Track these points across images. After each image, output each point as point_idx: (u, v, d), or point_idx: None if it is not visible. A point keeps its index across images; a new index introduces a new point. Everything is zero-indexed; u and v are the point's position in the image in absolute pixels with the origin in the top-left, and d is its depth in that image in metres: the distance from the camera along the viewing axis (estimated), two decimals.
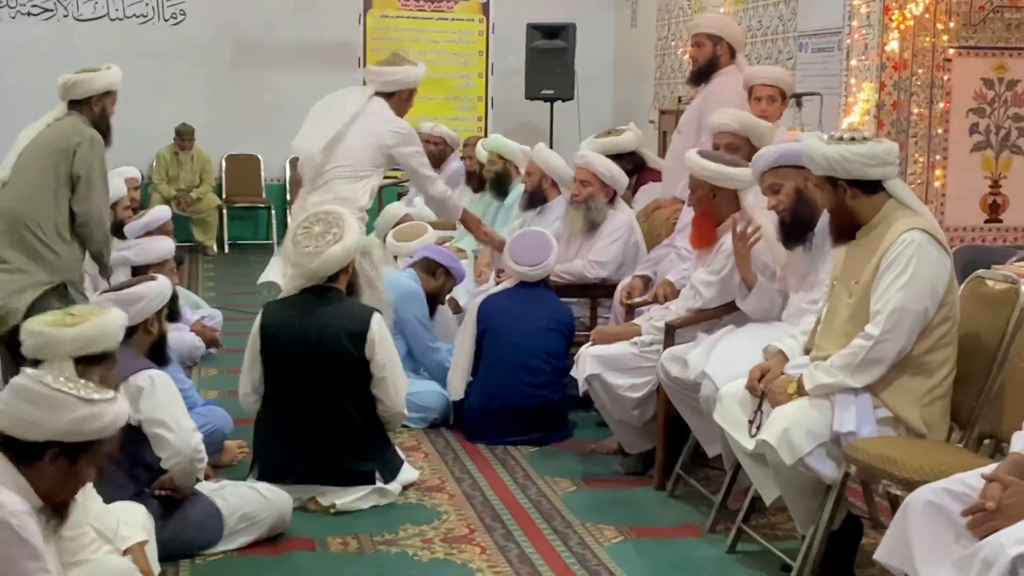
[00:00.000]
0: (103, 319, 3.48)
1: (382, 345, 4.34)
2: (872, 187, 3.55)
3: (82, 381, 2.94)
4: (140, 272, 4.94)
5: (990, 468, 2.82)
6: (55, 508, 2.87)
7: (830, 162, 3.53)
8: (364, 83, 5.80)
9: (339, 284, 4.42)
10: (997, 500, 2.68)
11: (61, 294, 4.76)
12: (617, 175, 5.72)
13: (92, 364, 3.39)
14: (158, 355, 3.94)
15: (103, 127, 5.09)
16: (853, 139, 3.53)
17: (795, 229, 4.04)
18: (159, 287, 3.97)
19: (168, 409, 3.68)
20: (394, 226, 6.38)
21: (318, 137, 5.21)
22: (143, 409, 3.63)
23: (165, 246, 5.32)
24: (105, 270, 5.11)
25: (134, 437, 3.62)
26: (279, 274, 5.66)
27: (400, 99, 5.41)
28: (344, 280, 4.44)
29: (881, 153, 3.53)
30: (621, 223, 5.67)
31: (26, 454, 2.80)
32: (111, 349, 3.47)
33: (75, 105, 5.09)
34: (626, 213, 5.78)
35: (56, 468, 2.82)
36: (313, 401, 4.29)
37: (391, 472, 4.41)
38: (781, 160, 4.01)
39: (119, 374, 3.59)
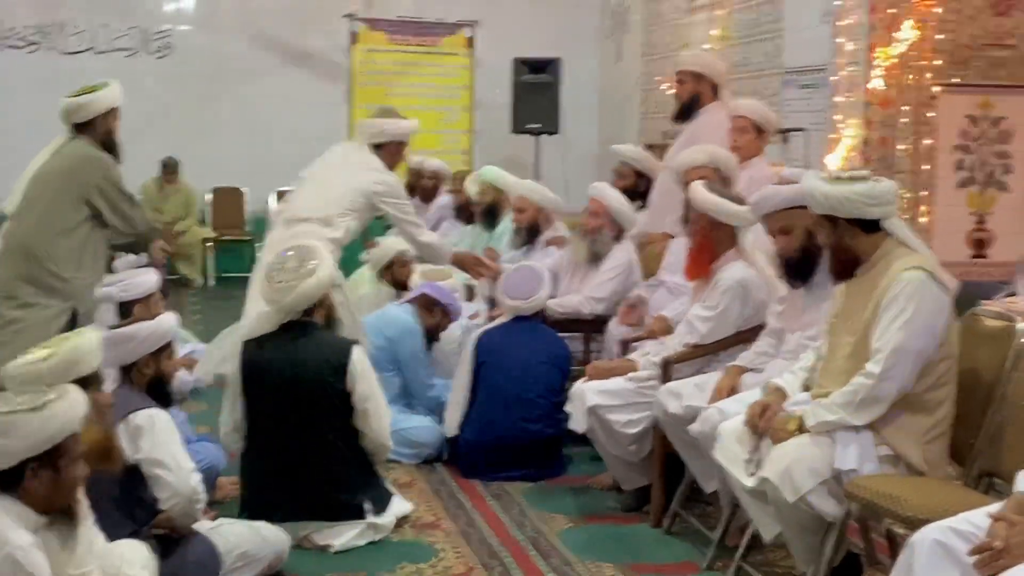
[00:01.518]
0: (76, 342, 3.45)
1: (363, 377, 4.33)
2: (871, 226, 3.59)
3: (31, 388, 2.91)
4: (126, 307, 4.90)
5: (996, 507, 2.84)
6: (62, 514, 2.88)
7: (831, 201, 3.57)
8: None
9: (316, 317, 4.41)
10: (1004, 539, 2.69)
11: (70, 323, 4.74)
12: (628, 213, 5.77)
13: (82, 388, 3.38)
14: (160, 394, 3.91)
15: (110, 145, 5.09)
16: (853, 178, 3.57)
17: (800, 268, 4.07)
18: (154, 327, 3.92)
19: (167, 449, 3.65)
20: (390, 261, 6.38)
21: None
22: (142, 448, 3.60)
23: (150, 280, 5.30)
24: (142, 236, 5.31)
25: (132, 476, 3.60)
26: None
27: (390, 152, 5.42)
28: (321, 313, 4.44)
29: (881, 193, 3.56)
30: (621, 261, 5.72)
31: (7, 480, 2.81)
32: (94, 370, 3.45)
33: (80, 128, 5.09)
34: (628, 253, 5.82)
35: (41, 481, 2.82)
36: (297, 436, 4.28)
37: (381, 504, 4.40)
38: (793, 202, 4.02)
39: (119, 403, 3.60)
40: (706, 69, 6.11)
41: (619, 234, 5.76)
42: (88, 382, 3.40)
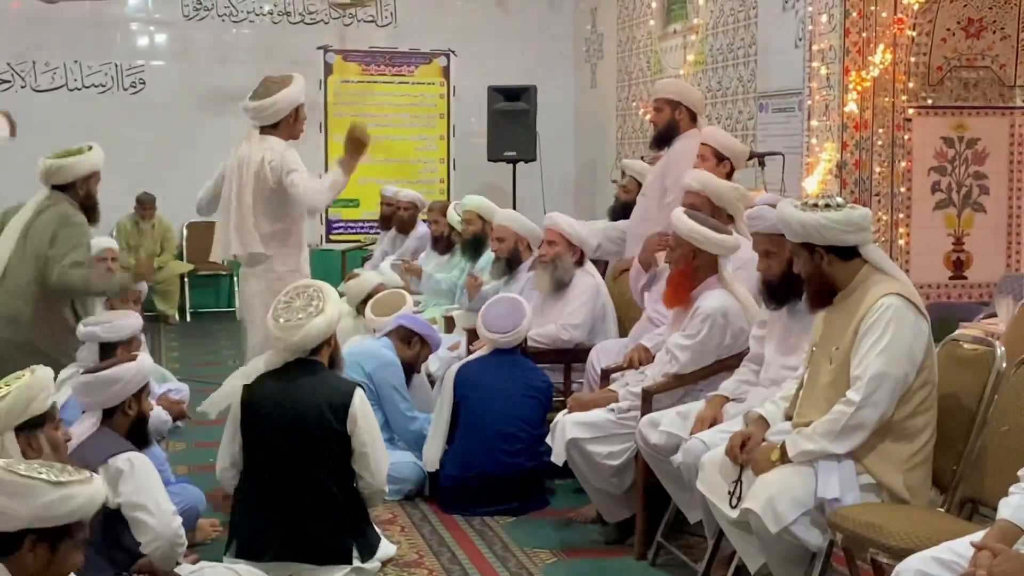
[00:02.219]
0: (28, 381, 3.37)
1: (364, 420, 4.27)
2: (848, 253, 3.59)
3: (57, 466, 2.87)
4: (109, 348, 4.85)
5: (979, 536, 2.82)
6: None
7: (807, 228, 3.56)
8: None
9: (321, 357, 4.37)
10: (988, 568, 2.67)
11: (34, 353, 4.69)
12: (584, 236, 5.78)
13: (34, 429, 3.31)
14: (138, 436, 3.87)
15: (89, 207, 5.12)
16: (828, 206, 3.56)
17: (780, 291, 4.05)
18: (136, 368, 3.90)
19: (148, 493, 3.62)
20: (368, 295, 6.31)
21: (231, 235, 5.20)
22: (122, 493, 3.57)
23: (134, 323, 5.26)
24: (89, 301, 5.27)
25: (112, 520, 3.57)
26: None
27: (288, 124, 5.30)
28: (326, 353, 4.39)
29: (857, 219, 3.56)
30: (588, 286, 5.70)
31: (3, 545, 2.74)
32: (47, 410, 3.38)
33: (59, 188, 5.10)
34: (593, 277, 5.81)
35: (36, 556, 2.74)
36: (293, 475, 4.22)
37: (369, 550, 4.33)
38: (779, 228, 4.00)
39: (98, 446, 3.55)
40: (683, 96, 6.13)
41: (580, 258, 5.76)
42: (43, 420, 3.35)
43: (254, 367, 4.45)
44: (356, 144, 5.34)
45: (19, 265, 5.05)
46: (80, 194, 5.13)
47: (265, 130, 5.24)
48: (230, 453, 4.33)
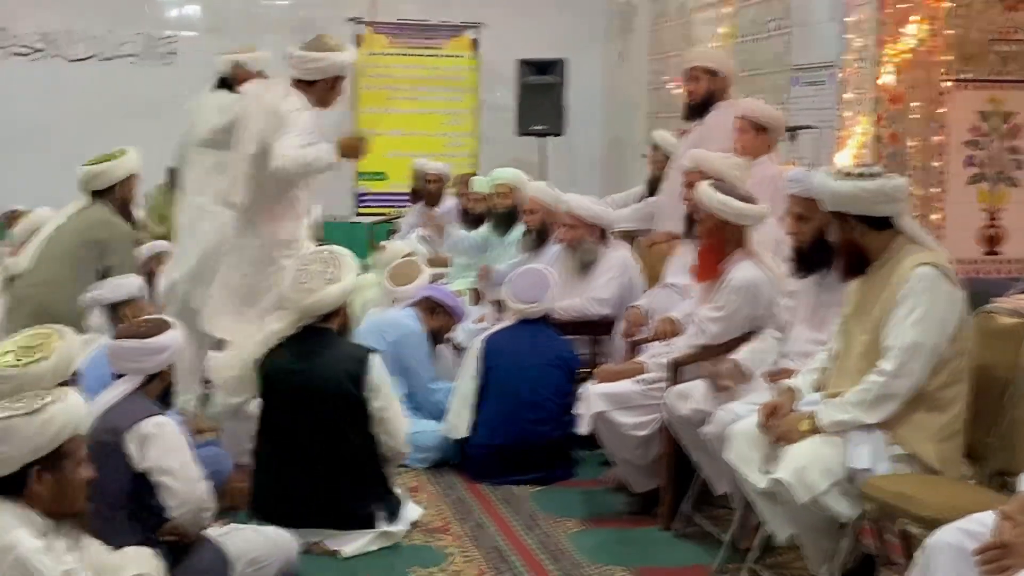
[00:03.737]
0: (66, 344, 3.44)
1: (381, 384, 4.31)
2: (882, 223, 3.54)
3: (28, 393, 2.89)
4: (114, 309, 4.87)
5: (989, 515, 2.76)
6: (70, 518, 2.87)
7: (840, 198, 3.52)
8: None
9: (332, 324, 4.38)
10: (1010, 538, 2.63)
11: None
12: (600, 213, 5.74)
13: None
14: (164, 398, 3.89)
15: (126, 212, 5.20)
16: (863, 175, 3.52)
17: (810, 259, 4.02)
18: (179, 336, 3.87)
19: (176, 457, 3.62)
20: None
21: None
22: (149, 457, 3.56)
23: (134, 283, 5.28)
24: None
25: (140, 483, 3.58)
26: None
27: (324, 88, 4.97)
28: (337, 321, 4.42)
29: (891, 190, 3.51)
30: (616, 260, 5.68)
31: (12, 486, 2.79)
32: (71, 375, 3.45)
33: (97, 194, 5.12)
34: (620, 250, 5.79)
35: (46, 485, 2.81)
36: (312, 443, 4.24)
37: (392, 512, 4.35)
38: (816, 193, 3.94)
39: (126, 411, 3.58)
40: (721, 66, 6.06)
41: (602, 235, 5.72)
42: (67, 384, 3.37)
43: (263, 335, 4.44)
44: (353, 151, 5.01)
45: (51, 259, 5.07)
46: (117, 198, 5.18)
47: (299, 84, 4.96)
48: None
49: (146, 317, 3.96)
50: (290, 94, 4.89)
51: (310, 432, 4.24)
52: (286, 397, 4.26)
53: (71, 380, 3.45)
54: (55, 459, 2.81)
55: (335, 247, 4.58)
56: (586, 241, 5.67)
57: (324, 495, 4.24)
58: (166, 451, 3.60)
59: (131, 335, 3.80)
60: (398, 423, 4.37)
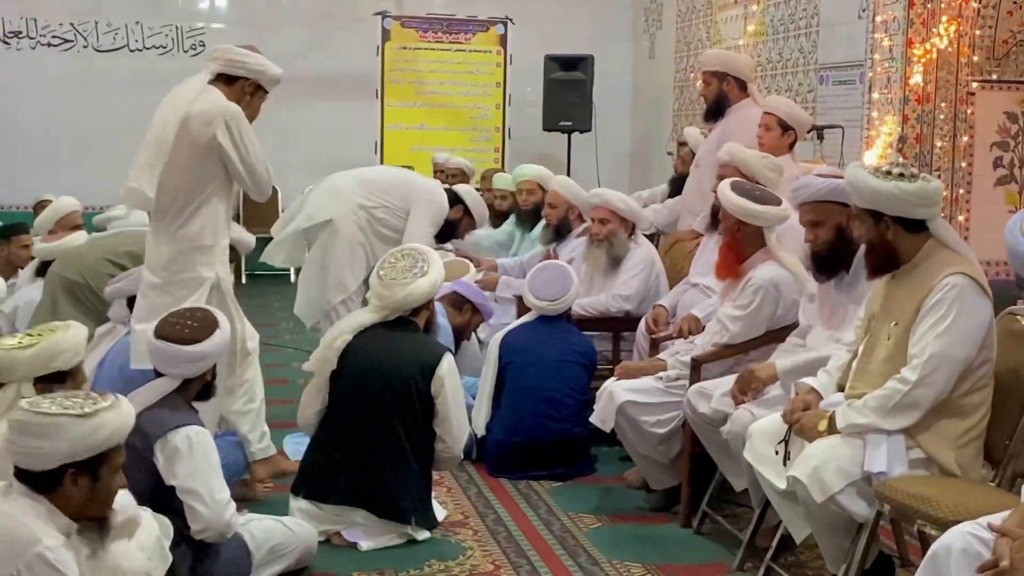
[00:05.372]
0: (58, 336, 3.43)
1: (450, 383, 4.33)
2: (916, 226, 3.51)
3: (81, 394, 2.91)
4: (134, 300, 4.76)
5: (997, 518, 2.74)
6: (94, 523, 2.87)
7: (877, 196, 3.47)
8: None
9: (419, 319, 4.44)
10: (1009, 557, 2.59)
11: None
12: (636, 209, 5.75)
13: (52, 383, 3.35)
14: (203, 394, 3.87)
15: None
16: (902, 175, 3.47)
17: (829, 263, 4.02)
18: (221, 339, 3.84)
19: (202, 479, 3.56)
20: None
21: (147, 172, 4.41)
22: (178, 474, 3.54)
23: None
24: None
25: (164, 490, 3.57)
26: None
27: (242, 91, 4.59)
28: (424, 316, 4.48)
29: (931, 193, 3.47)
30: (642, 257, 5.68)
31: (46, 482, 2.80)
32: (71, 366, 3.44)
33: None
34: (646, 247, 5.79)
35: (79, 488, 2.82)
36: (371, 425, 4.27)
37: (424, 517, 4.37)
38: (828, 196, 3.95)
39: (156, 419, 3.56)
40: (728, 67, 6.08)
41: (631, 231, 5.73)
42: (64, 377, 3.41)
43: (351, 321, 4.46)
44: None
45: None
46: None
47: (218, 81, 4.58)
48: (318, 401, 4.38)
49: (193, 315, 3.89)
50: (210, 90, 4.55)
51: (373, 417, 4.26)
52: (357, 379, 4.30)
53: (71, 373, 3.45)
54: (94, 464, 2.81)
55: (419, 245, 4.67)
56: (619, 235, 5.67)
57: (371, 479, 4.26)
58: (193, 471, 3.56)
59: (173, 338, 3.75)
60: (460, 427, 4.40)
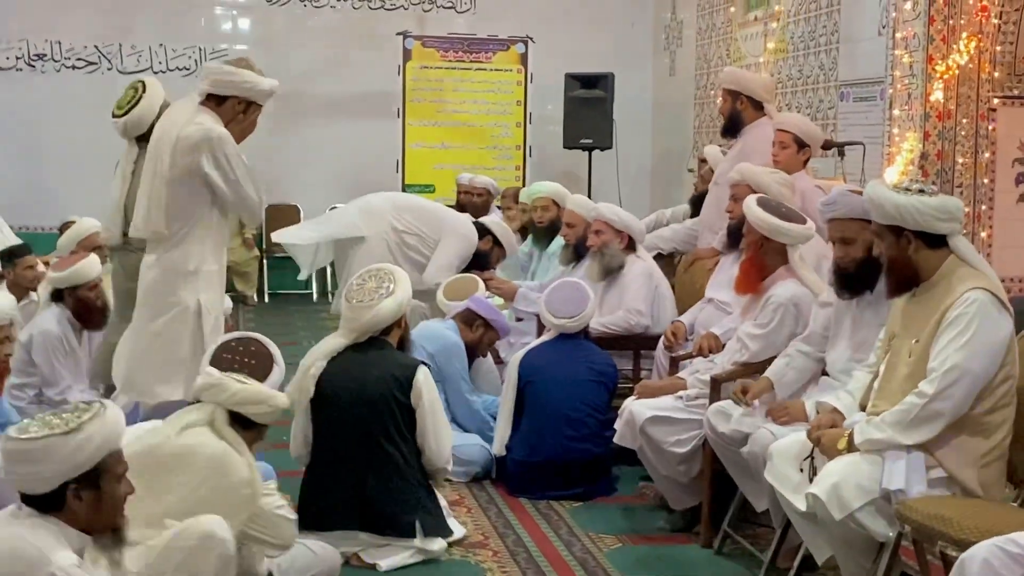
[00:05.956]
0: (263, 389, 3.62)
1: (428, 394, 4.35)
2: (937, 241, 3.50)
3: (64, 412, 2.88)
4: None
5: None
6: (109, 534, 2.88)
7: (900, 211, 3.47)
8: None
9: (391, 338, 4.45)
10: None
11: None
12: (629, 221, 5.78)
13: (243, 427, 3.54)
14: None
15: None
16: (922, 191, 3.48)
17: (854, 281, 3.99)
18: (279, 378, 3.92)
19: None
20: None
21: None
22: None
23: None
24: None
25: None
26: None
27: (233, 109, 4.52)
28: (397, 335, 4.48)
29: (952, 208, 3.48)
30: (640, 271, 5.72)
31: (50, 502, 2.81)
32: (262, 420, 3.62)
33: (142, 139, 5.05)
34: (645, 262, 5.80)
35: (84, 502, 2.82)
36: (359, 445, 4.28)
37: (432, 526, 4.36)
38: (861, 213, 3.90)
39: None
40: (742, 85, 6.09)
41: (628, 243, 5.76)
42: (251, 426, 3.61)
43: (322, 348, 4.47)
44: None
45: None
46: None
47: (209, 102, 4.53)
48: (303, 432, 4.40)
49: (248, 349, 3.97)
50: (200, 113, 4.50)
51: (358, 437, 4.28)
52: (337, 404, 4.31)
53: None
54: (93, 476, 2.82)
55: (387, 265, 4.69)
56: (611, 246, 5.69)
57: (366, 497, 4.27)
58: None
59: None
60: (440, 437, 4.39)
